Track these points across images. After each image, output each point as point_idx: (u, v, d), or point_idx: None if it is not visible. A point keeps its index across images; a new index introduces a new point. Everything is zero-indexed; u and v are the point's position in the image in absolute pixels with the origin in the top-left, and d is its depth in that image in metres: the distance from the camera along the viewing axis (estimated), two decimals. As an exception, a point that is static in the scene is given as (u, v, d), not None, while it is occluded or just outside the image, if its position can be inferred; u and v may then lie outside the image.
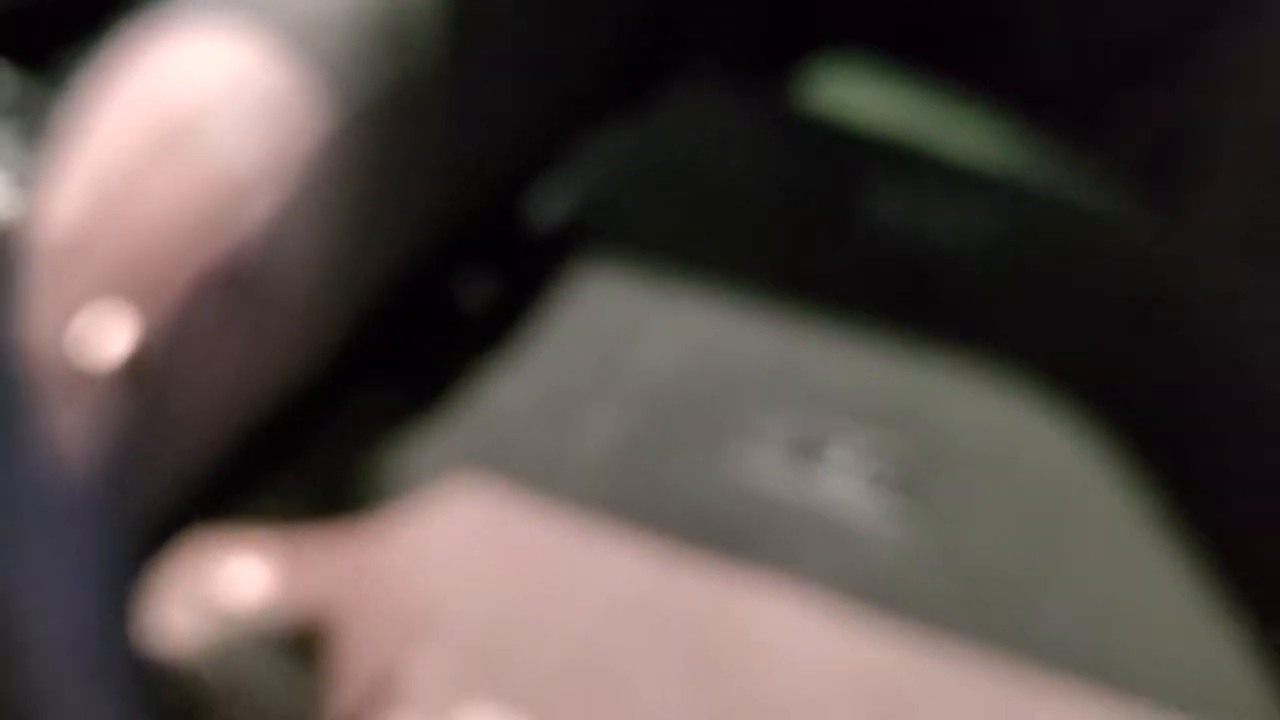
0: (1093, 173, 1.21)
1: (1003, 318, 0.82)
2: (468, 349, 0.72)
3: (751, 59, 1.18)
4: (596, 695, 0.54)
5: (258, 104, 0.49)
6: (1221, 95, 1.14)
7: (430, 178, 0.64)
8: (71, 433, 0.53)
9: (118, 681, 0.62)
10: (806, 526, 0.64)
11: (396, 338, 0.71)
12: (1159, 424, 0.75)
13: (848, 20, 1.35)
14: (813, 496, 0.65)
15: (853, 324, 0.77)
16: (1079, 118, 1.32)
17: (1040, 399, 0.74)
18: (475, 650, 0.55)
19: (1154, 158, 1.23)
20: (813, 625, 0.58)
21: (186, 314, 0.51)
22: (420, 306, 0.75)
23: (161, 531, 0.59)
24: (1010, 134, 1.22)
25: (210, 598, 0.57)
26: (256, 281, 0.51)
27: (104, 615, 0.59)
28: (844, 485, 0.67)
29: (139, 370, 0.51)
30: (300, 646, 0.55)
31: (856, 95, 1.22)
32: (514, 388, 0.70)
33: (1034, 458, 0.71)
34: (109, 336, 0.51)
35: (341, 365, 0.66)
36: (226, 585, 0.57)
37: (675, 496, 0.64)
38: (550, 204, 0.88)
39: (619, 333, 0.74)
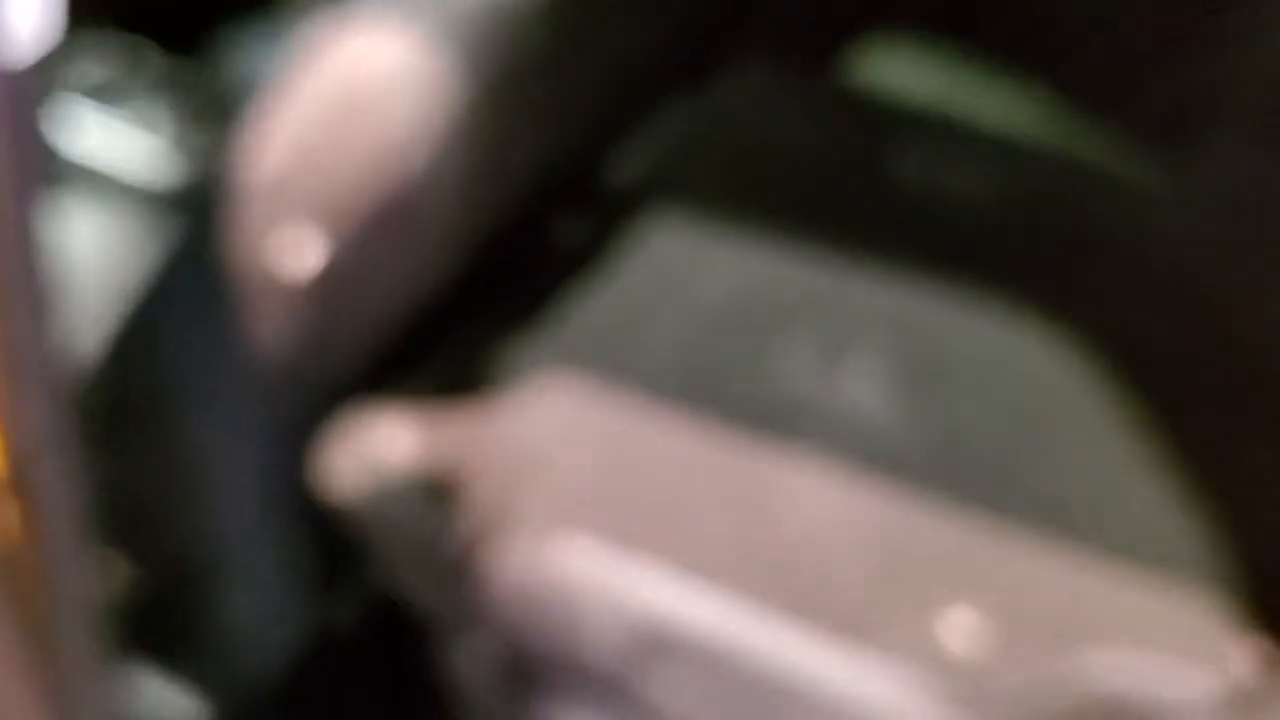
0: (1110, 136, 1.32)
1: (1005, 256, 0.93)
2: (563, 275, 0.86)
3: (804, 43, 1.30)
4: (661, 525, 0.68)
5: (415, 80, 0.64)
6: (1229, 63, 1.24)
7: (533, 139, 0.77)
8: (270, 326, 0.70)
9: (294, 518, 0.78)
10: (829, 412, 0.76)
11: (510, 263, 0.86)
12: (1137, 345, 0.86)
13: (892, 5, 1.47)
14: (836, 389, 0.78)
15: (875, 260, 0.89)
16: (1100, 87, 1.42)
17: (1030, 321, 0.85)
18: (568, 492, 0.69)
19: (1168, 121, 1.32)
20: (831, 486, 0.71)
21: (362, 237, 0.66)
22: (527, 240, 0.90)
23: (333, 404, 0.75)
24: (1036, 102, 1.33)
25: (368, 455, 0.71)
26: (413, 213, 0.66)
27: (286, 466, 0.75)
28: (861, 382, 0.80)
29: (324, 279, 0.67)
30: (436, 491, 0.70)
31: (897, 71, 1.34)
32: (598, 305, 0.84)
33: (1021, 366, 0.81)
34: (303, 253, 0.67)
35: (468, 284, 0.81)
36: (381, 445, 0.72)
37: (725, 387, 0.77)
38: (627, 162, 1.02)
39: (681, 264, 0.88)
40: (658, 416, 0.74)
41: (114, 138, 1.25)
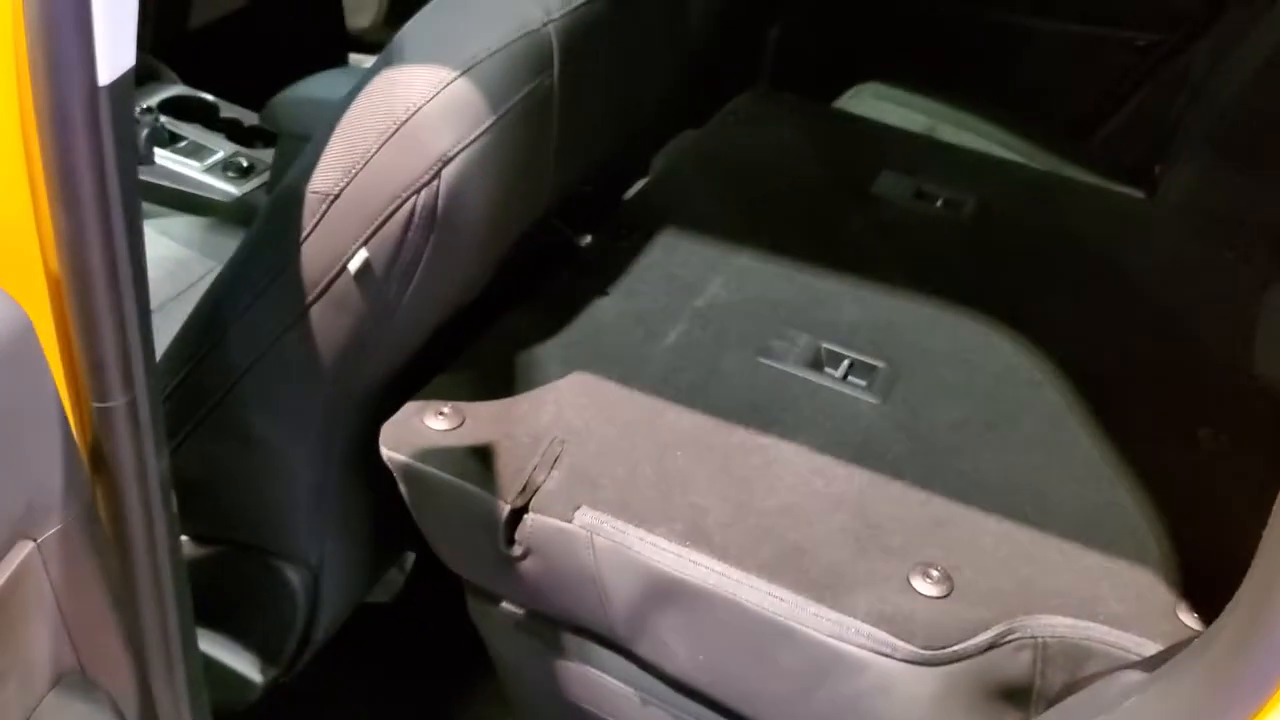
0: (1080, 157, 1.40)
1: (977, 266, 1.01)
2: (578, 280, 0.95)
3: (804, 83, 1.38)
4: (662, 496, 0.76)
5: (450, 108, 0.72)
6: (1185, 99, 1.33)
7: (550, 159, 0.85)
8: (323, 319, 0.77)
9: (350, 494, 0.85)
10: (813, 404, 0.84)
11: (531, 270, 0.95)
12: (1091, 346, 0.93)
13: (882, 55, 1.57)
14: (819, 385, 0.86)
15: (861, 271, 0.97)
16: (1071, 115, 1.52)
17: (998, 326, 0.93)
18: (582, 472, 0.77)
19: (1132, 143, 1.41)
20: (810, 464, 0.79)
21: (402, 241, 0.74)
22: (547, 250, 0.99)
23: (382, 395, 0.82)
24: (1010, 129, 1.43)
25: (416, 432, 0.79)
26: (448, 220, 0.74)
27: (344, 448, 0.82)
28: (841, 379, 0.88)
29: (368, 279, 0.75)
30: (472, 466, 0.78)
31: (887, 107, 1.44)
32: (611, 308, 0.92)
33: (988, 366, 0.90)
34: (349, 256, 0.74)
35: (495, 286, 0.89)
36: (425, 425, 0.80)
37: (722, 380, 0.85)
38: (639, 180, 1.11)
39: (687, 273, 0.96)
40: (663, 408, 0.83)
41: (181, 155, 1.35)
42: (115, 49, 0.57)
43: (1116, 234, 1.07)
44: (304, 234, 0.75)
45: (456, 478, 0.77)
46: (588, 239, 1.01)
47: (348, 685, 1.18)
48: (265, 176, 1.34)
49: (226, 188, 1.34)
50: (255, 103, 1.31)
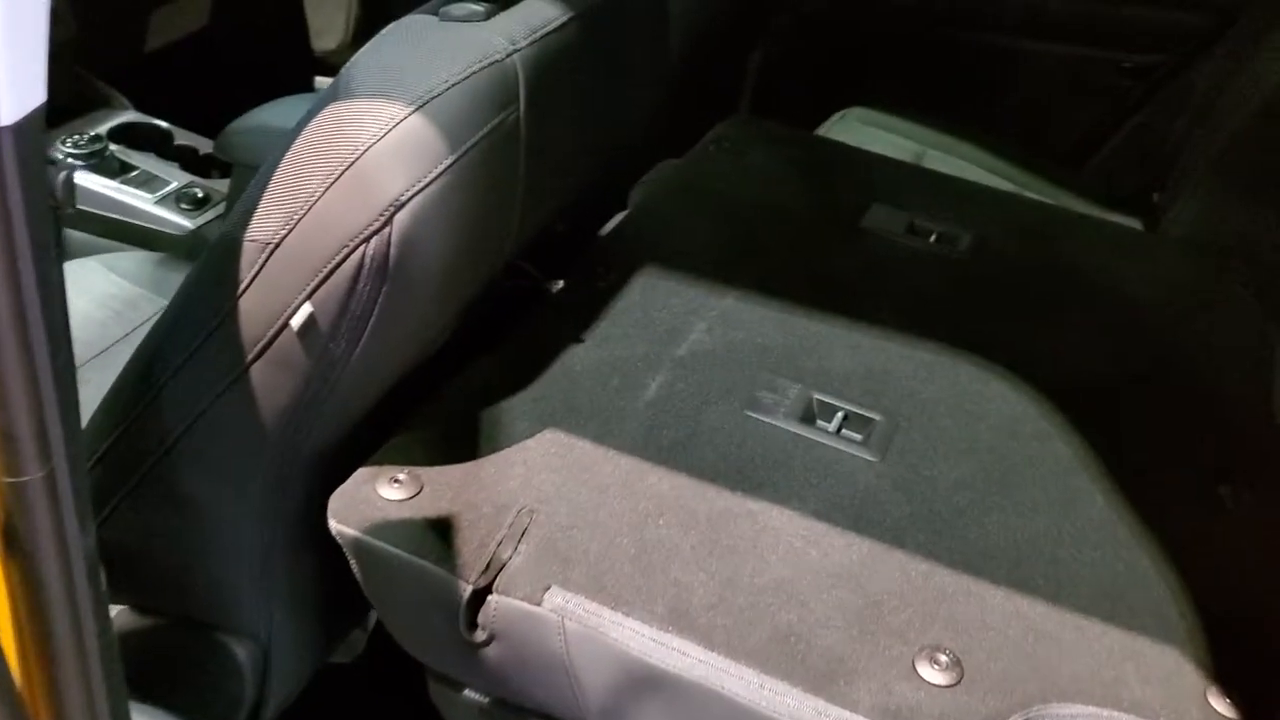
0: (1075, 185, 1.36)
1: (975, 305, 0.96)
2: (550, 327, 0.88)
3: (788, 108, 1.33)
4: (641, 573, 0.69)
5: (403, 146, 0.66)
6: (1186, 123, 1.28)
7: (518, 200, 0.79)
8: (264, 379, 0.71)
9: (300, 563, 0.78)
10: (805, 462, 0.78)
11: (497, 318, 0.88)
12: (1100, 393, 0.87)
13: (867, 79, 1.52)
14: (812, 441, 0.80)
15: (853, 313, 0.91)
16: (1063, 139, 1.47)
17: (999, 373, 0.87)
18: (553, 547, 0.70)
19: (1129, 169, 1.37)
20: (805, 533, 0.73)
21: (350, 294, 0.68)
22: (514, 295, 0.92)
23: (332, 459, 0.76)
24: (1000, 156, 1.38)
25: (367, 502, 0.73)
26: (402, 271, 0.68)
27: (292, 512, 0.76)
28: (835, 434, 0.81)
29: (313, 336, 0.69)
30: (429, 541, 0.71)
31: (871, 132, 1.39)
32: (585, 356, 0.86)
33: (990, 415, 0.84)
34: (292, 311, 0.68)
35: (458, 338, 0.83)
36: (378, 494, 0.73)
37: (706, 438, 0.79)
38: (616, 213, 1.05)
39: (668, 317, 0.90)
40: (643, 470, 0.76)
41: (125, 191, 1.29)
42: (20, 84, 0.51)
43: (1121, 270, 1.02)
44: (241, 287, 0.69)
45: (412, 555, 0.70)
46: (560, 283, 0.95)
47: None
48: (221, 209, 1.28)
49: (180, 220, 1.27)
50: (213, 130, 1.25)
